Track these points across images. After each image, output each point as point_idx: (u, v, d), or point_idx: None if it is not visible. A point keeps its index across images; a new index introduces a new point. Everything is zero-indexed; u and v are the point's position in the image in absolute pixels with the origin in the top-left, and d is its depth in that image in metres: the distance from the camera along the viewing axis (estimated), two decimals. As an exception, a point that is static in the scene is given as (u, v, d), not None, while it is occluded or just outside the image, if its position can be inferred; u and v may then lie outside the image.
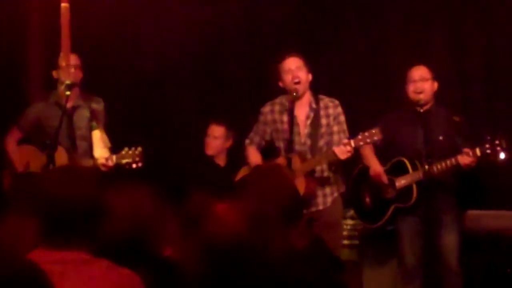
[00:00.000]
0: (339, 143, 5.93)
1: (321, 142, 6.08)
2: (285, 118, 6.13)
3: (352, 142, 5.78)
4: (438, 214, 5.90)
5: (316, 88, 6.35)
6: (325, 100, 6.16)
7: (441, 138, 5.99)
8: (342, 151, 5.76)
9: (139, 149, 5.97)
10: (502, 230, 6.37)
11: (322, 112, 6.10)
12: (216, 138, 6.97)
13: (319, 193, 6.06)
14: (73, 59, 6.20)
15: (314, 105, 6.10)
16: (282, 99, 6.21)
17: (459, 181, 6.04)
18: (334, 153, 5.80)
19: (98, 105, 6.39)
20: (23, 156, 6.32)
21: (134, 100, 7.73)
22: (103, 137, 6.24)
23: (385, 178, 6.09)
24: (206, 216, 2.22)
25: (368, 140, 5.79)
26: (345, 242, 6.82)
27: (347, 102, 7.40)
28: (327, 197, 6.07)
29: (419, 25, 7.41)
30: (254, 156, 6.27)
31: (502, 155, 5.72)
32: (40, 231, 2.68)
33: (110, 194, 2.92)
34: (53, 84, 6.34)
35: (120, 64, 7.71)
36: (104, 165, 5.99)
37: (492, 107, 7.19)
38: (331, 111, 6.14)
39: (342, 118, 6.16)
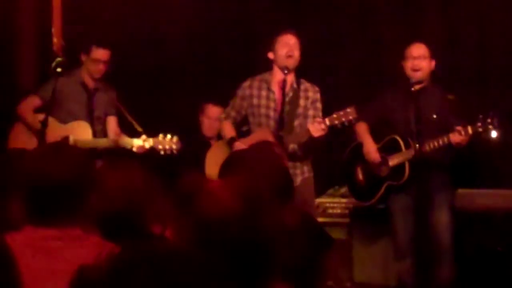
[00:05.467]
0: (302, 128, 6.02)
1: (296, 122, 6.11)
2: (264, 93, 6.20)
3: (327, 120, 5.83)
4: (430, 192, 5.90)
5: (306, 66, 6.35)
6: (306, 84, 6.22)
7: (434, 116, 5.98)
8: (316, 129, 5.81)
9: (176, 137, 6.27)
10: (493, 208, 6.38)
11: (301, 94, 6.15)
12: (213, 119, 6.99)
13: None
14: (100, 54, 6.34)
15: (294, 85, 6.15)
16: (263, 76, 6.27)
17: (451, 159, 6.04)
18: (308, 131, 5.85)
19: (112, 93, 6.57)
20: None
21: (130, 84, 7.68)
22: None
23: (377, 157, 6.09)
24: (199, 193, 2.21)
25: (343, 119, 5.82)
26: (336, 220, 6.83)
27: (337, 82, 7.44)
28: (297, 177, 6.05)
29: (412, 5, 7.40)
30: (228, 131, 6.29)
31: (493, 134, 5.73)
32: (28, 208, 2.68)
33: (102, 169, 2.92)
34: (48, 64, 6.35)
35: (118, 52, 7.65)
36: (140, 147, 6.20)
37: (484, 84, 7.19)
38: (310, 94, 6.20)
39: (319, 104, 6.22)
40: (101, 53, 6.33)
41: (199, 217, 2.16)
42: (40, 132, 5.84)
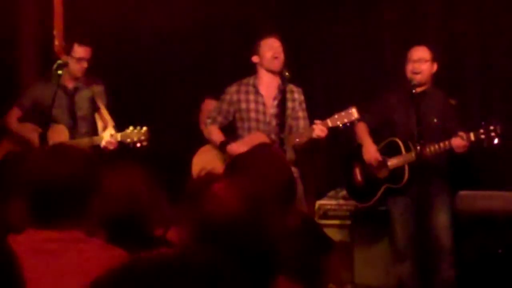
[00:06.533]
0: (305, 127, 6.00)
1: (286, 124, 6.07)
2: (252, 97, 6.20)
3: (329, 122, 5.80)
4: (430, 195, 5.90)
5: (308, 69, 6.36)
6: (290, 85, 6.18)
7: (435, 120, 5.98)
8: (320, 129, 5.78)
9: (144, 128, 6.10)
10: (493, 210, 6.38)
11: (288, 95, 6.13)
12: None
13: None
14: (83, 52, 6.26)
15: (281, 88, 6.11)
16: (249, 80, 6.27)
17: (451, 162, 6.04)
18: (311, 131, 5.83)
19: (99, 87, 6.48)
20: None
21: (129, 81, 7.68)
22: (106, 118, 6.33)
23: (377, 158, 6.09)
24: (203, 195, 2.21)
25: (346, 120, 5.79)
26: (337, 222, 6.83)
27: (338, 83, 7.44)
28: None
29: (413, 6, 7.40)
30: (217, 135, 6.27)
31: (496, 141, 5.70)
32: (30, 210, 2.68)
33: (104, 172, 2.92)
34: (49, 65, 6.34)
35: (116, 46, 7.65)
36: (108, 142, 6.09)
37: (486, 90, 7.19)
38: (296, 96, 6.21)
39: (305, 105, 6.24)
40: (83, 51, 6.25)
41: (203, 218, 2.16)
42: (42, 135, 5.84)
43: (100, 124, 6.39)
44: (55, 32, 6.10)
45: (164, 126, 7.47)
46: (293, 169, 6.04)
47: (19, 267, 1.79)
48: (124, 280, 1.33)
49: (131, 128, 6.12)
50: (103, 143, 6.10)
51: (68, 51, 6.27)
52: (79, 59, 6.24)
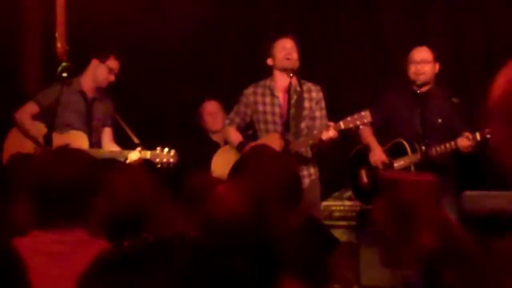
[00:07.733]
0: (321, 127, 5.96)
1: (303, 124, 6.07)
2: (268, 99, 6.19)
3: (341, 124, 5.76)
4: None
5: (312, 70, 6.35)
6: (308, 84, 6.17)
7: (439, 120, 5.97)
8: (331, 132, 5.74)
9: (173, 151, 6.19)
10: (500, 210, 6.37)
11: (305, 95, 6.11)
12: (213, 113, 7.04)
13: None
14: (117, 66, 6.37)
15: (298, 88, 6.09)
16: (265, 82, 6.25)
17: (457, 162, 6.03)
18: (320, 133, 5.80)
19: (109, 104, 6.53)
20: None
21: (132, 86, 7.69)
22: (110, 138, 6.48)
23: (384, 160, 6.07)
24: (207, 196, 2.22)
25: (358, 122, 5.76)
26: (342, 223, 6.83)
27: (342, 84, 7.43)
28: (304, 178, 6.02)
29: (417, 5, 7.40)
30: (235, 136, 6.30)
31: None
32: (34, 212, 2.68)
33: (109, 174, 2.92)
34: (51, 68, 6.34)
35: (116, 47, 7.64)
36: (137, 159, 6.17)
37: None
38: (314, 94, 6.16)
39: (323, 103, 6.18)
40: (117, 64, 6.35)
41: (207, 219, 2.16)
42: (46, 137, 5.83)
43: (106, 139, 6.47)
44: (57, 35, 6.08)
45: (165, 127, 7.50)
46: (312, 169, 6.09)
47: (25, 269, 1.79)
48: (106, 268, 1.32)
49: (159, 148, 6.20)
50: (130, 158, 6.18)
51: (103, 58, 6.34)
52: (111, 70, 6.33)
